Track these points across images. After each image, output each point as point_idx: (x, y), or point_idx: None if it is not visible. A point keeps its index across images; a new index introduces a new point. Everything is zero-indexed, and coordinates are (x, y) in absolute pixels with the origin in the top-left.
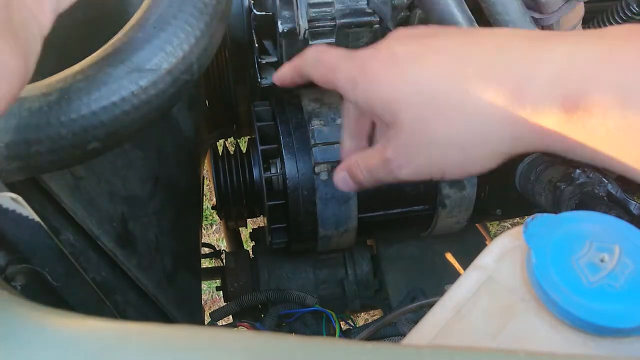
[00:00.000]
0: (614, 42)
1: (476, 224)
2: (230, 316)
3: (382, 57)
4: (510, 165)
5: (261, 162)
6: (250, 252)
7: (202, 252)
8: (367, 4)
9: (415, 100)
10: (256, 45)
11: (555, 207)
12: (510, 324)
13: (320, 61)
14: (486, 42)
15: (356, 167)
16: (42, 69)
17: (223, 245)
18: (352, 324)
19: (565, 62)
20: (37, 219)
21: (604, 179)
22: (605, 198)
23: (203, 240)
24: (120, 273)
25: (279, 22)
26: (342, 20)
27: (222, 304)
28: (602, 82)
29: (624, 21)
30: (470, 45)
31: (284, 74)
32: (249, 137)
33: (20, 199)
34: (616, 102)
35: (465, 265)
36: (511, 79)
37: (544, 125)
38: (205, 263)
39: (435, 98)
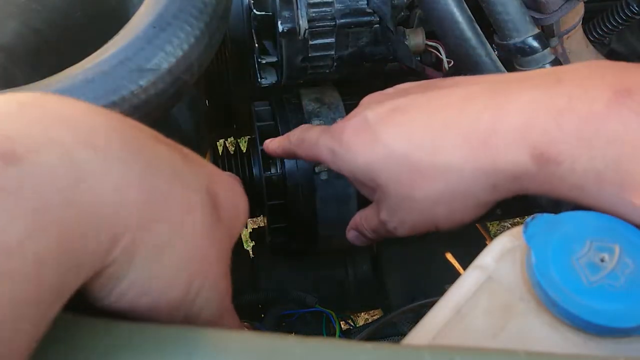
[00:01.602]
0: (572, 90)
1: (476, 224)
2: None
3: (353, 124)
4: None
5: (261, 162)
6: (250, 252)
7: None
8: (367, 4)
9: (389, 163)
10: (256, 45)
11: (555, 207)
12: (510, 324)
13: (303, 140)
14: (450, 96)
15: (362, 228)
16: (42, 69)
17: None
18: (352, 323)
19: (527, 113)
20: None
21: None
22: None
23: None
24: None
25: (279, 22)
26: (342, 20)
27: None
28: (565, 133)
29: (624, 21)
30: (435, 102)
31: (274, 151)
32: (249, 137)
33: None
34: (581, 152)
35: (465, 265)
36: (477, 133)
37: (517, 174)
38: None
39: (408, 161)
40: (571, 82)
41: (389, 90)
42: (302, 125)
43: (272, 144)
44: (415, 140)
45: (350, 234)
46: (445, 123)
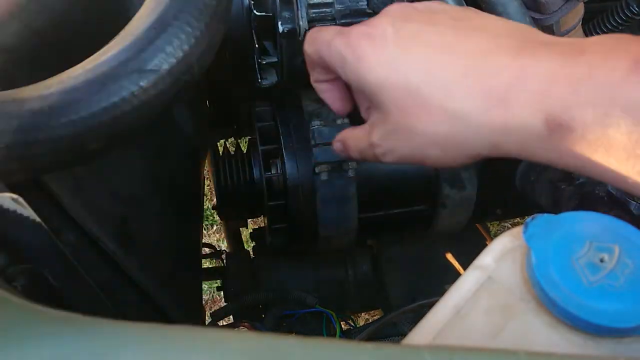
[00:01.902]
0: (593, 59)
1: (476, 224)
2: (231, 316)
3: (372, 35)
4: (510, 165)
5: (262, 163)
6: (251, 252)
7: (203, 252)
8: (367, 4)
9: (401, 91)
10: (256, 45)
11: (555, 207)
12: (510, 324)
13: (316, 38)
14: (477, 42)
15: (348, 145)
16: (42, 69)
17: (223, 245)
18: (352, 324)
19: (548, 78)
20: (37, 219)
21: None
22: (605, 198)
23: (203, 240)
24: (121, 273)
25: (279, 23)
26: (342, 21)
27: (223, 304)
28: (582, 101)
29: (624, 21)
30: (461, 43)
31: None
32: (249, 137)
33: (20, 199)
34: (596, 119)
35: (465, 265)
36: (496, 88)
37: (525, 138)
38: (206, 263)
39: (420, 94)
40: (594, 52)
41: (419, 5)
42: (315, 27)
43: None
44: (433, 78)
45: (336, 146)
46: (465, 70)
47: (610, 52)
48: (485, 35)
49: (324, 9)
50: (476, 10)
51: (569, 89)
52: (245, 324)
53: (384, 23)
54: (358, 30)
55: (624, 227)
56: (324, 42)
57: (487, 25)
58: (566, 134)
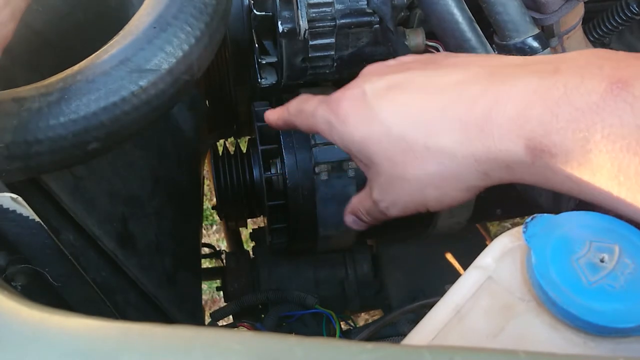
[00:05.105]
0: (569, 80)
1: (476, 224)
2: (231, 316)
3: (351, 96)
4: None
5: (261, 162)
6: (251, 253)
7: (203, 252)
8: (367, 4)
9: (384, 142)
10: (256, 45)
11: (555, 207)
12: (510, 324)
13: (301, 110)
14: (449, 77)
15: (358, 211)
16: (42, 69)
17: (223, 245)
18: (352, 324)
19: (524, 102)
20: (37, 219)
21: None
22: None
23: (203, 240)
24: (121, 273)
25: (279, 22)
26: (342, 21)
27: (223, 304)
28: (562, 125)
29: (624, 21)
30: (434, 82)
31: (275, 123)
32: (249, 137)
33: (20, 199)
34: (576, 144)
35: (465, 265)
36: (473, 119)
37: (510, 165)
38: (206, 263)
39: (402, 139)
40: (568, 70)
41: (391, 61)
42: (301, 95)
43: (272, 116)
44: (412, 121)
45: (348, 219)
46: (442, 106)
47: (585, 70)
48: (456, 70)
49: (323, 9)
50: (447, 53)
51: (548, 113)
52: (245, 324)
53: (360, 83)
54: (338, 95)
55: (624, 227)
56: (309, 113)
57: (456, 62)
58: (549, 159)
